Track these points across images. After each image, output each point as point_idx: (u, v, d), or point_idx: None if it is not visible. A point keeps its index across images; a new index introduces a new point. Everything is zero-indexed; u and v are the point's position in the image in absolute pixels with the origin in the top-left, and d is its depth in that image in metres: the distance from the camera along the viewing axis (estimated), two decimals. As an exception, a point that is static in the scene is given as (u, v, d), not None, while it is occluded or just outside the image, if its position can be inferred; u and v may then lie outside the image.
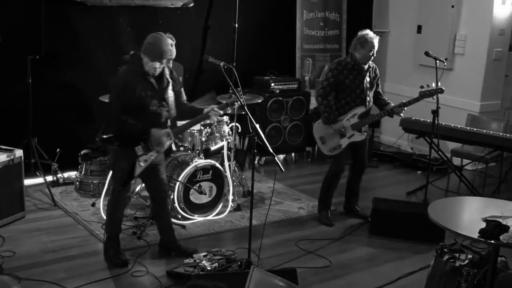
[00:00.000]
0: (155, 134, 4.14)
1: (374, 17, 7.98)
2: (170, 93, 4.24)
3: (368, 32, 5.02)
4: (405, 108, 5.05)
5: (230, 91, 5.20)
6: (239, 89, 4.41)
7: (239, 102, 4.19)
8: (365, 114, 5.08)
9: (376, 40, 4.99)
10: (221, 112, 4.32)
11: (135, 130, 4.09)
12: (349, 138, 5.09)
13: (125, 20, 6.12)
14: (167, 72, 4.24)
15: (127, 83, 4.06)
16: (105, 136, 4.18)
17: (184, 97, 4.51)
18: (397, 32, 7.82)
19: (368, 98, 5.09)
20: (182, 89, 4.47)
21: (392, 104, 5.11)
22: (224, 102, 4.48)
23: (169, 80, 4.24)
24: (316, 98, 5.12)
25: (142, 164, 4.16)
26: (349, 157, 5.34)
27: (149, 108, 4.10)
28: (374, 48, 4.97)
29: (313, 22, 7.47)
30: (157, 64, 4.04)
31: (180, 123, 4.61)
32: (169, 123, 4.34)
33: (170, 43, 5.70)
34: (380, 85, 5.29)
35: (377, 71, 5.22)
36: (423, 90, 5.04)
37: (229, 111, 5.20)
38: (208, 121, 4.55)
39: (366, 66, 5.05)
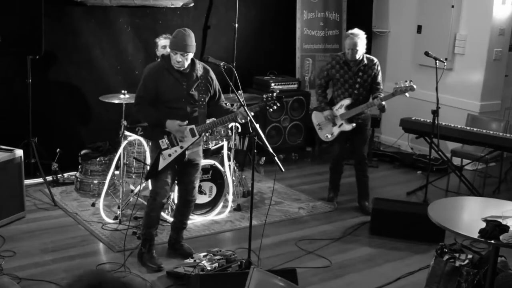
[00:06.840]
0: (169, 125, 4.12)
1: (374, 17, 7.98)
2: (200, 91, 4.21)
3: (353, 31, 5.30)
4: (383, 103, 5.22)
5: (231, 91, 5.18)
6: (240, 91, 4.39)
7: (271, 105, 4.18)
8: (351, 105, 5.37)
9: (349, 40, 5.25)
10: (250, 113, 4.07)
11: (152, 119, 4.24)
12: (339, 127, 5.45)
13: (125, 20, 6.12)
14: (200, 71, 4.22)
15: (149, 75, 4.20)
16: (138, 125, 4.39)
17: (223, 98, 4.45)
18: (397, 32, 7.82)
19: (356, 92, 5.35)
20: (219, 90, 4.40)
21: (378, 98, 5.27)
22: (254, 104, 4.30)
23: (199, 78, 4.20)
24: (315, 88, 5.70)
25: (165, 158, 4.16)
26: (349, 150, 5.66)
27: (172, 102, 4.14)
28: (349, 46, 5.25)
29: (313, 22, 7.46)
30: (179, 57, 4.04)
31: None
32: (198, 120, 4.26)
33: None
34: (378, 81, 5.40)
35: (376, 67, 5.38)
36: (396, 86, 5.25)
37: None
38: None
39: (358, 62, 5.29)
